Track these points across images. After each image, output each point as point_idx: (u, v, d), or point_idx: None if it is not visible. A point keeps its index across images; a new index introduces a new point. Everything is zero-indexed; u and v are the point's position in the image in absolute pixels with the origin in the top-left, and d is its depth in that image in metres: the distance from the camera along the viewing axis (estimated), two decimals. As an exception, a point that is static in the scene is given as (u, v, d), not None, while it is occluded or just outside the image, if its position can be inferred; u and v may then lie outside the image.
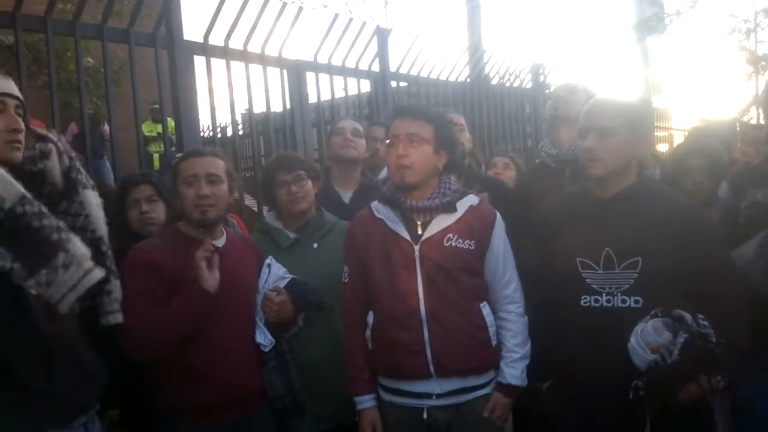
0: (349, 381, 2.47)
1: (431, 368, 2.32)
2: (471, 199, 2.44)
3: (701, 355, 2.03)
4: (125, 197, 2.77)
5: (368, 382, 2.45)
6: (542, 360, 2.43)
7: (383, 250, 2.39)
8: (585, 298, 2.26)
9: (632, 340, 2.08)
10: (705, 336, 2.03)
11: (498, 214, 2.49)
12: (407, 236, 2.37)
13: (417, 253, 2.34)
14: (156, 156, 8.77)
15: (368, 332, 2.44)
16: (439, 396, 2.36)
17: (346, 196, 3.32)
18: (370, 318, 2.44)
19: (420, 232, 2.37)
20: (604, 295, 2.24)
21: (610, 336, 2.15)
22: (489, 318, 2.40)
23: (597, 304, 2.24)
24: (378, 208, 2.46)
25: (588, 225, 2.29)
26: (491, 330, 2.40)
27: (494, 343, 2.41)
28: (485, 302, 2.42)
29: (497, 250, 2.43)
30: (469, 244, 2.36)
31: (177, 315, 2.25)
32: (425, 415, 2.36)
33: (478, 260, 2.40)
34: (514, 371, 2.40)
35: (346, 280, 2.49)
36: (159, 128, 8.86)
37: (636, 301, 2.19)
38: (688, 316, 2.05)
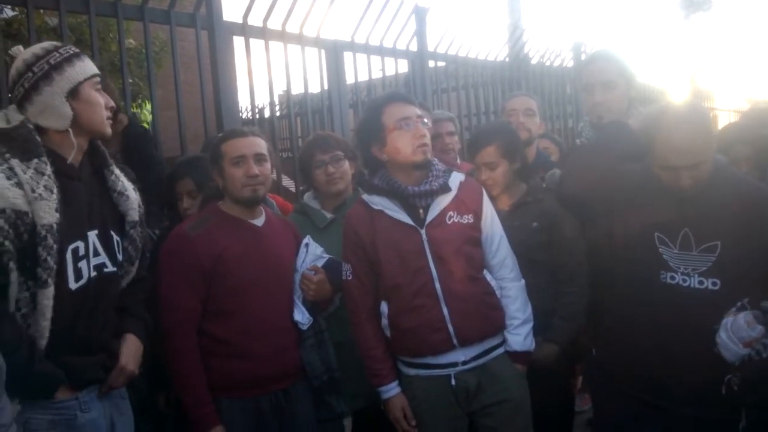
0: (370, 373, 2.48)
1: (455, 341, 2.37)
2: (458, 176, 2.52)
3: None
4: (173, 189, 2.78)
5: (391, 371, 2.47)
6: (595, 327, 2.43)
7: (391, 240, 2.40)
8: (663, 273, 2.21)
9: (722, 335, 2.00)
10: None
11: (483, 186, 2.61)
12: (411, 222, 2.40)
13: (425, 236, 2.39)
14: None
15: (384, 321, 2.45)
16: (464, 363, 2.41)
17: None
18: (384, 308, 2.45)
19: (423, 216, 2.41)
20: (679, 273, 2.18)
21: (691, 315, 2.12)
22: (493, 282, 2.49)
23: (673, 282, 2.19)
24: (372, 200, 2.46)
25: (667, 202, 2.21)
26: (498, 293, 2.50)
27: (501, 304, 2.51)
28: (486, 269, 2.50)
29: (486, 218, 2.51)
30: (468, 218, 2.45)
31: None
32: (453, 382, 2.40)
33: (477, 231, 2.49)
34: (517, 338, 2.48)
35: (350, 278, 2.48)
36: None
37: (714, 283, 2.14)
38: None
